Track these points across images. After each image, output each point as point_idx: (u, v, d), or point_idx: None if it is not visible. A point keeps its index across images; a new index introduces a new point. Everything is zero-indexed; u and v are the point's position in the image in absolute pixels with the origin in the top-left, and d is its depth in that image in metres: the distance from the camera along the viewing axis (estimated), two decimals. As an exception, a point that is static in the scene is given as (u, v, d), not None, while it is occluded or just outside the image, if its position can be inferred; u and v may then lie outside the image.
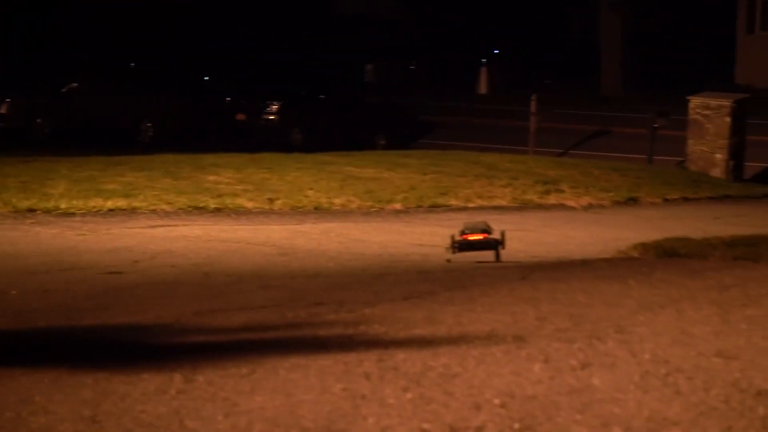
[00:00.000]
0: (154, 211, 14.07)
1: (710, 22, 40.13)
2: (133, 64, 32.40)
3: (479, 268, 9.02)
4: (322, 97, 28.53)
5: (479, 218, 12.47)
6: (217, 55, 35.68)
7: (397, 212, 15.48)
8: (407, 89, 37.27)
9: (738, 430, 4.15)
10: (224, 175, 16.74)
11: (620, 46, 37.36)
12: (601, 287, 6.87)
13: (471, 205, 16.33)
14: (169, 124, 27.31)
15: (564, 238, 13.38)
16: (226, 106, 28.32)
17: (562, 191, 17.61)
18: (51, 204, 13.94)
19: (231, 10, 39.31)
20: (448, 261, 10.04)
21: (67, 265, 10.08)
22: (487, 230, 10.60)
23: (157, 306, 7.35)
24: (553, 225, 14.86)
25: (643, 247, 8.77)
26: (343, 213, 15.09)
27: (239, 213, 14.53)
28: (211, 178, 16.54)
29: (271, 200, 15.21)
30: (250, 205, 14.94)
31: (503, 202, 16.68)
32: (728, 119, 20.86)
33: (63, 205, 13.91)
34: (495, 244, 10.35)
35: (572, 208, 16.88)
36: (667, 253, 8.33)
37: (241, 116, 27.76)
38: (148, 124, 27.41)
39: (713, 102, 21.14)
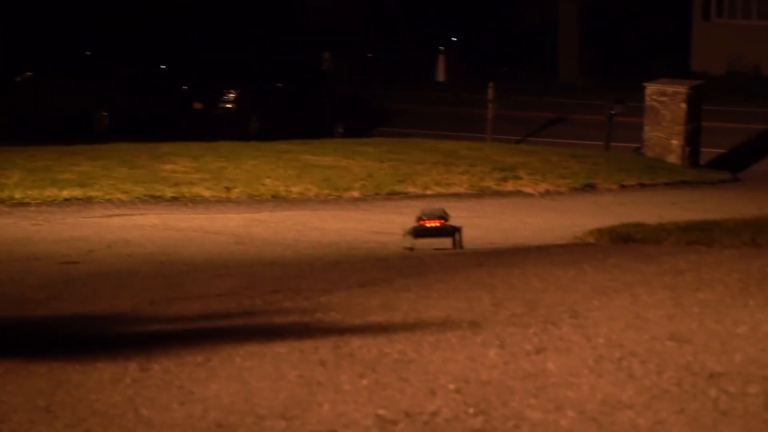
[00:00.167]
0: (110, 201, 14.00)
1: (666, 9, 40.34)
2: (88, 53, 32.16)
3: (436, 255, 9.04)
4: (280, 85, 28.45)
5: (437, 205, 12.49)
6: (174, 44, 35.50)
7: (355, 200, 15.49)
8: (365, 77, 37.25)
9: (690, 412, 4.18)
10: (181, 164, 16.67)
11: (577, 33, 37.48)
12: (556, 273, 6.90)
13: (429, 192, 16.35)
14: (124, 114, 27.14)
15: (521, 225, 13.44)
16: (183, 94, 28.18)
17: (520, 178, 17.67)
18: (5, 194, 13.83)
19: (187, -2, 39.13)
20: (410, 249, 10.03)
21: (21, 255, 10.01)
22: (444, 217, 10.61)
23: (112, 296, 7.32)
24: (510, 212, 14.91)
25: (599, 232, 8.81)
26: (301, 201, 15.08)
27: (196, 202, 14.49)
28: (168, 167, 16.47)
29: (228, 189, 15.17)
30: (207, 193, 14.89)
31: (461, 189, 16.72)
32: (684, 106, 21.00)
33: (18, 195, 13.81)
34: (452, 231, 10.36)
35: (530, 195, 16.94)
36: (623, 239, 8.37)
37: (197, 105, 27.63)
38: (104, 114, 27.22)
39: (669, 89, 21.27)
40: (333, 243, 11.13)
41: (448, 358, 5.00)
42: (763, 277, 6.35)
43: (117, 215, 13.12)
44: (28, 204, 13.57)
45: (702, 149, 21.61)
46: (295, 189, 15.55)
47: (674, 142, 21.11)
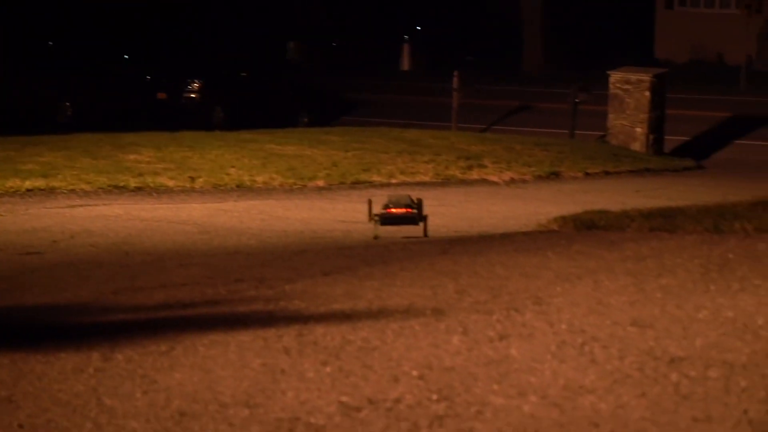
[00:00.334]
0: (73, 191, 13.94)
1: (630, -3, 40.50)
2: (51, 43, 31.95)
3: (400, 243, 9.05)
4: (244, 74, 28.37)
5: (403, 193, 12.50)
6: (137, 33, 35.32)
7: (320, 189, 15.48)
8: (329, 66, 37.20)
9: (652, 396, 4.21)
10: (145, 154, 16.61)
11: (541, 22, 37.57)
12: (519, 260, 6.92)
13: (394, 181, 16.36)
14: (88, 104, 26.98)
15: (486, 213, 13.47)
16: (147, 84, 28.05)
17: (485, 166, 17.70)
18: (-32, 185, 13.74)
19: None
20: (376, 238, 10.04)
21: (-16, 246, 9.95)
22: (410, 205, 10.61)
23: (75, 286, 7.29)
24: (475, 200, 14.95)
25: (563, 220, 8.83)
26: (266, 191, 15.06)
27: (160, 192, 14.44)
28: (132, 157, 16.40)
29: (192, 179, 15.13)
30: (171, 183, 14.84)
31: (426, 178, 16.74)
32: (648, 93, 21.09)
33: (-20, 186, 13.73)
34: (418, 219, 10.37)
35: (495, 183, 16.98)
36: (586, 226, 8.40)
37: (161, 95, 27.52)
38: (67, 104, 27.05)
39: (633, 77, 21.36)
40: (297, 232, 11.12)
41: (412, 345, 5.01)
42: (724, 263, 6.40)
43: (80, 206, 13.06)
44: (-10, 195, 13.50)
45: (666, 137, 21.73)
46: (259, 178, 15.52)
47: (638, 129, 21.21)
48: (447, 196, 15.29)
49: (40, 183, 14.02)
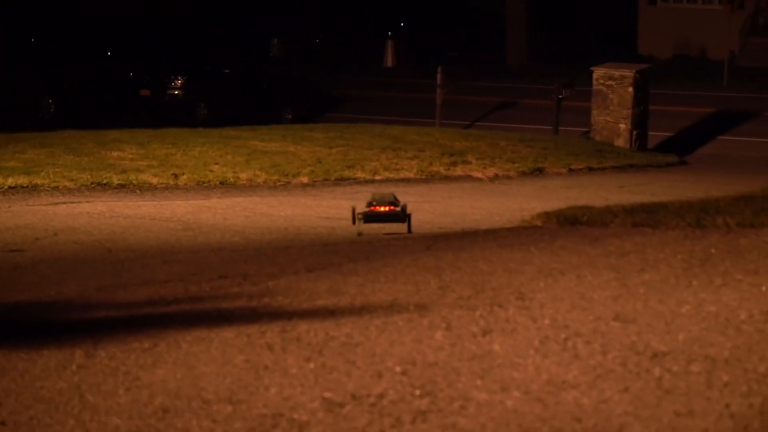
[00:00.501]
0: (56, 188, 13.89)
1: (613, -7, 40.58)
2: (33, 40, 31.85)
3: (384, 239, 9.05)
4: (227, 71, 28.34)
5: (386, 190, 12.49)
6: (120, 30, 35.24)
7: (304, 186, 15.46)
8: (313, 63, 37.17)
9: (634, 391, 4.22)
10: (128, 151, 16.57)
11: (525, 18, 37.61)
12: (503, 255, 6.93)
13: (378, 177, 16.36)
14: (70, 101, 26.91)
15: (470, 209, 13.47)
16: (130, 81, 27.99)
17: (469, 163, 17.71)
18: (-50, 182, 13.69)
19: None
20: (359, 235, 10.03)
21: (-34, 243, 9.91)
22: (394, 202, 10.60)
23: (58, 282, 7.27)
24: (459, 196, 14.95)
25: (546, 215, 8.84)
26: (249, 187, 15.03)
27: (144, 189, 14.40)
28: (115, 154, 16.36)
29: (176, 175, 15.09)
30: (154, 180, 14.81)
31: (410, 174, 16.73)
32: (631, 89, 21.13)
33: (-38, 184, 13.67)
34: (402, 216, 10.37)
35: (479, 180, 16.99)
36: (570, 221, 8.41)
37: (145, 92, 27.45)
38: (49, 101, 26.98)
39: (616, 72, 21.39)
40: (281, 229, 11.11)
41: (395, 341, 5.01)
42: (706, 258, 6.41)
43: (63, 203, 13.02)
44: (-28, 192, 13.45)
45: (649, 133, 21.78)
46: (243, 175, 15.50)
47: (622, 125, 21.25)
48: (431, 192, 15.29)
49: (22, 180, 13.96)
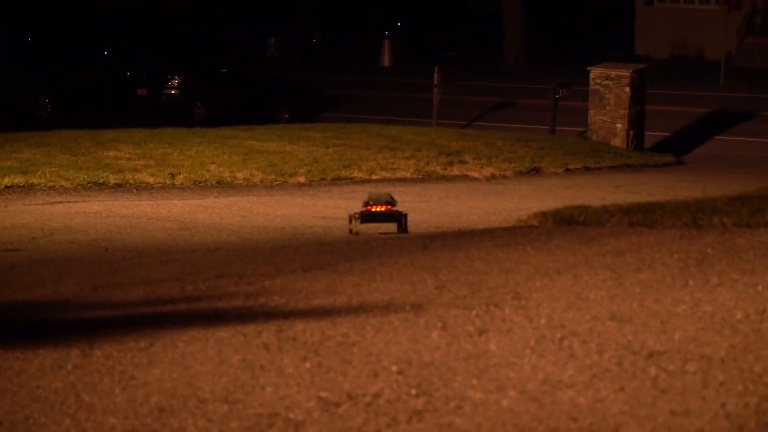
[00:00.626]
0: (52, 188, 13.89)
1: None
2: (29, 39, 31.82)
3: (380, 239, 9.05)
4: (224, 71, 28.32)
5: (383, 190, 12.49)
6: (117, 29, 35.21)
7: (301, 185, 15.46)
8: (310, 62, 37.17)
9: (630, 390, 4.22)
10: (124, 151, 16.56)
11: (522, 18, 37.61)
12: (499, 255, 6.93)
13: (374, 177, 16.36)
14: (67, 100, 26.89)
15: (467, 209, 13.48)
16: (127, 81, 27.96)
17: (466, 162, 17.72)
18: (-54, 182, 13.68)
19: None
20: (355, 234, 10.03)
21: (-37, 243, 9.91)
22: (391, 202, 10.61)
23: (54, 282, 7.26)
24: (456, 196, 14.95)
25: (543, 215, 8.83)
26: (246, 187, 15.03)
27: (140, 188, 14.40)
28: (111, 153, 16.35)
29: (172, 175, 15.09)
30: (151, 180, 14.80)
31: (407, 174, 16.74)
32: (628, 89, 21.13)
33: (-42, 183, 13.66)
34: (399, 216, 10.37)
35: (475, 179, 16.99)
36: (566, 221, 8.40)
37: (141, 91, 27.43)
38: (46, 100, 26.95)
39: (613, 72, 21.40)
40: (278, 228, 11.11)
41: (391, 341, 5.01)
42: (702, 258, 6.42)
43: (60, 202, 13.01)
44: (-31, 192, 13.43)
45: (646, 132, 21.78)
46: (240, 175, 15.50)
47: (618, 125, 21.25)
48: (428, 192, 15.29)
49: (19, 180, 13.96)
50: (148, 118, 23.49)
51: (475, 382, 4.38)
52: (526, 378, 4.40)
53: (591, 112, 21.55)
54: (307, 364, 4.72)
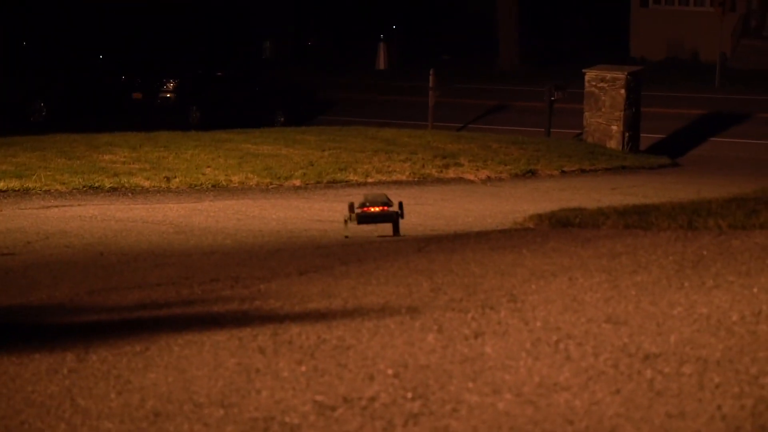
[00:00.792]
0: (48, 192, 13.88)
1: (605, -4, 40.65)
2: (24, 43, 31.81)
3: (376, 242, 9.04)
4: (219, 74, 28.31)
5: (379, 191, 12.48)
6: (112, 33, 35.20)
7: (296, 188, 15.46)
8: (305, 65, 37.17)
9: (626, 393, 4.22)
10: (120, 155, 16.55)
11: (517, 20, 37.63)
12: (495, 258, 6.92)
13: (370, 180, 16.36)
14: (62, 104, 26.87)
15: (462, 212, 13.47)
16: (122, 84, 27.96)
17: (461, 165, 17.72)
18: (-59, 186, 13.66)
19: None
20: (346, 237, 10.02)
21: (-42, 247, 9.89)
22: (386, 203, 10.59)
23: (50, 286, 7.25)
24: (451, 198, 14.95)
25: (539, 218, 8.83)
26: (242, 190, 15.03)
27: (135, 192, 14.39)
28: (107, 157, 16.34)
29: (168, 179, 15.08)
30: (146, 183, 14.80)
31: (402, 177, 16.74)
32: (623, 91, 21.15)
33: (-46, 187, 13.65)
34: (395, 217, 10.36)
35: (471, 182, 17.00)
36: (561, 223, 8.40)
37: (137, 95, 27.42)
38: (41, 104, 26.93)
39: (608, 74, 21.41)
40: (274, 231, 11.10)
41: (387, 344, 5.01)
42: (698, 260, 6.42)
43: (55, 206, 13.00)
44: (-36, 196, 13.42)
45: (641, 135, 21.79)
46: (235, 178, 15.49)
47: (614, 127, 21.26)
48: (423, 194, 15.29)
49: (14, 184, 13.95)
50: (143, 122, 23.50)
51: (470, 385, 4.38)
52: (521, 381, 4.40)
53: (586, 114, 21.56)
54: (303, 368, 4.71)
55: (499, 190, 16.24)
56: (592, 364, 4.55)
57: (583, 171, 18.64)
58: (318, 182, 15.83)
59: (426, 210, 13.45)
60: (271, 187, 15.38)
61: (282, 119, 26.89)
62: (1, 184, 13.86)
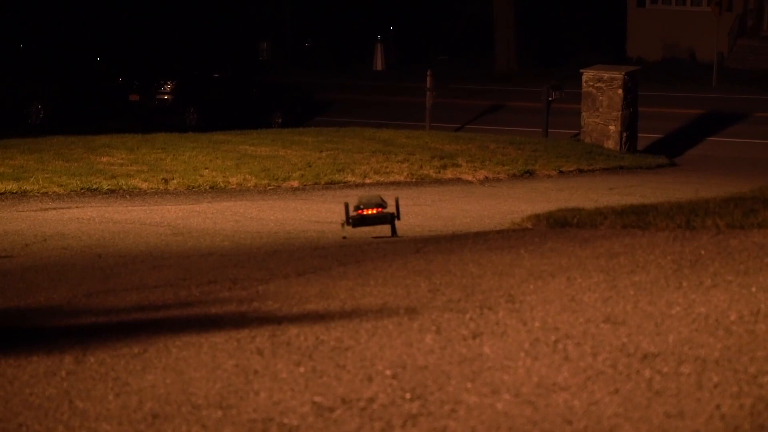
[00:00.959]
0: (45, 194, 13.87)
1: (602, -4, 40.66)
2: (22, 45, 31.80)
3: (374, 242, 9.03)
4: (216, 75, 28.32)
5: (374, 193, 12.48)
6: (109, 35, 35.20)
7: (294, 190, 15.45)
8: (303, 67, 37.17)
9: (625, 392, 4.21)
10: (117, 156, 16.55)
11: (513, 21, 37.63)
12: (492, 258, 6.92)
13: (368, 181, 16.36)
14: (60, 106, 26.86)
15: (460, 212, 13.47)
16: (119, 86, 27.96)
17: (459, 165, 17.72)
18: (-61, 189, 13.66)
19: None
20: (344, 238, 10.01)
21: (-45, 250, 9.88)
22: (381, 204, 10.57)
23: (47, 288, 7.24)
24: (449, 199, 14.95)
25: (536, 218, 8.82)
26: (239, 192, 15.02)
27: (133, 194, 14.38)
28: (104, 159, 16.34)
29: (165, 180, 15.08)
30: (144, 185, 14.79)
31: (400, 178, 16.74)
32: (620, 91, 21.16)
33: (-49, 190, 13.64)
34: (390, 218, 10.35)
35: (469, 182, 16.99)
36: (559, 223, 8.39)
37: (134, 97, 27.42)
38: (38, 106, 26.92)
39: (605, 74, 21.42)
40: (271, 233, 11.09)
41: (385, 345, 5.00)
42: (696, 259, 6.41)
43: (53, 209, 12.99)
44: (-39, 198, 13.42)
45: (639, 134, 21.81)
46: (233, 179, 15.49)
47: (611, 127, 21.27)
48: (421, 195, 15.29)
49: (11, 186, 13.94)
50: (140, 124, 23.50)
51: (469, 385, 4.37)
52: (520, 381, 4.39)
53: (584, 114, 21.58)
54: (301, 369, 4.71)
55: (497, 190, 16.24)
56: (591, 364, 4.55)
57: (580, 171, 18.65)
58: (316, 183, 15.83)
59: (424, 210, 13.45)
60: (268, 188, 15.37)
61: (279, 120, 26.90)
62: (-1, 186, 13.87)
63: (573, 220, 8.35)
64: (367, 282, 6.40)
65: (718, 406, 4.03)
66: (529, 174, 17.88)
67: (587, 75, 21.56)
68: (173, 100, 27.13)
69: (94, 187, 14.40)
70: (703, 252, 6.61)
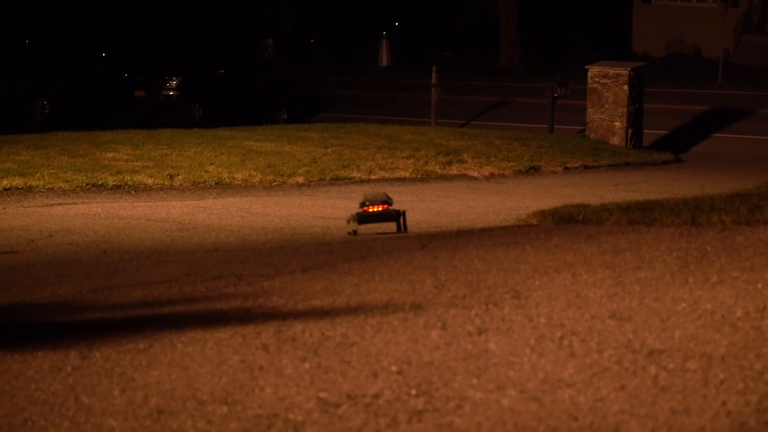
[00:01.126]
0: (51, 190, 13.88)
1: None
2: (27, 41, 31.81)
3: (379, 239, 9.03)
4: (222, 71, 28.30)
5: (381, 190, 12.48)
6: (114, 31, 35.21)
7: (299, 186, 15.45)
8: (308, 63, 37.17)
9: (630, 389, 4.21)
10: (123, 152, 16.55)
11: (518, 17, 37.60)
12: (498, 254, 6.91)
13: (373, 177, 16.35)
14: (65, 102, 26.86)
15: (466, 208, 13.47)
16: (124, 82, 27.95)
17: (464, 162, 17.71)
18: (-56, 184, 13.66)
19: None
20: (353, 233, 10.01)
21: (-39, 245, 9.89)
22: (387, 201, 10.57)
23: (53, 284, 7.25)
24: (455, 195, 14.95)
25: (542, 214, 8.81)
26: (245, 188, 15.03)
27: (139, 190, 14.39)
28: (110, 155, 16.34)
29: (171, 176, 15.08)
30: (149, 181, 14.80)
31: (405, 174, 16.73)
32: (626, 87, 21.13)
33: (-43, 186, 13.65)
34: (396, 216, 10.35)
35: (474, 178, 16.99)
36: (564, 220, 8.38)
37: (139, 93, 27.41)
38: (44, 102, 26.93)
39: (611, 71, 21.39)
40: (277, 229, 11.09)
41: (390, 341, 5.00)
42: (702, 255, 6.40)
43: (58, 204, 13.00)
44: (-33, 194, 13.42)
45: (644, 131, 21.77)
46: (238, 175, 15.49)
47: (617, 123, 21.24)
48: (426, 191, 15.29)
49: (17, 182, 13.95)
50: (146, 120, 23.50)
51: (474, 381, 4.37)
52: (526, 377, 4.39)
53: (589, 110, 21.55)
54: (307, 365, 4.71)
55: (502, 186, 16.23)
56: (597, 361, 4.54)
57: (586, 167, 18.64)
58: (321, 179, 15.83)
59: (429, 207, 13.45)
60: (274, 184, 15.38)
61: (284, 116, 26.87)
62: (5, 182, 13.87)
63: (578, 217, 8.34)
64: (373, 278, 6.40)
65: (724, 403, 4.02)
66: (534, 170, 17.87)
67: (593, 71, 21.53)
68: (178, 96, 27.11)
69: (100, 182, 14.41)
70: (708, 248, 6.60)
